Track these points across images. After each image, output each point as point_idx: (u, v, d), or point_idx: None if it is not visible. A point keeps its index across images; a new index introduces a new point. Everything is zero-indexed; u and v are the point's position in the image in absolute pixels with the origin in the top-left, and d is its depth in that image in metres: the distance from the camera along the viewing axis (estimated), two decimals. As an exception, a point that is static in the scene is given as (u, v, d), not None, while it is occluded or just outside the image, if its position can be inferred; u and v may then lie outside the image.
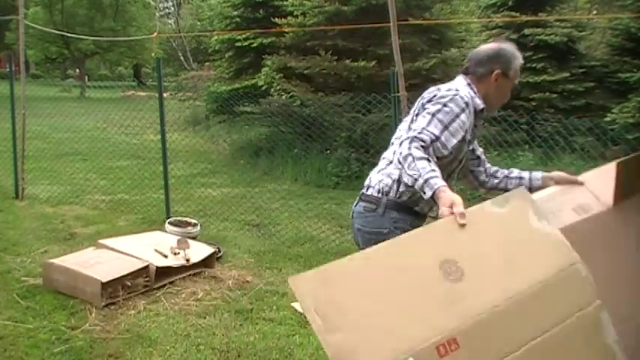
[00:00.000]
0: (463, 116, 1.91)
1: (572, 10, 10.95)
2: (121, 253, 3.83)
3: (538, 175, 2.08)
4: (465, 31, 10.22)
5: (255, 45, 10.31)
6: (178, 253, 3.96)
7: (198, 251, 4.07)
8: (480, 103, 2.03)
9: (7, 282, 3.73)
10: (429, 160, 1.75)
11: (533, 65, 8.61)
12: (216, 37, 12.31)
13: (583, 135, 6.71)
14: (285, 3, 9.18)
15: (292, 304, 3.52)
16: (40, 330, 3.04)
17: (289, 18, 8.47)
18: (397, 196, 2.02)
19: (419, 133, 1.83)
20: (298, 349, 2.94)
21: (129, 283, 3.53)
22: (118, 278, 3.46)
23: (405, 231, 1.59)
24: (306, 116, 7.19)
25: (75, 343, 2.92)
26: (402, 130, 2.10)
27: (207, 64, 17.81)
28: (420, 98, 2.06)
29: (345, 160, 7.60)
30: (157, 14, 34.26)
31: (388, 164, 2.07)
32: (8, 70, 6.76)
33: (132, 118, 7.66)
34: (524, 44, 8.72)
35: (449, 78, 7.68)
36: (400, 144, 1.84)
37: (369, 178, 2.14)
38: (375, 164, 2.18)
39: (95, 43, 26.45)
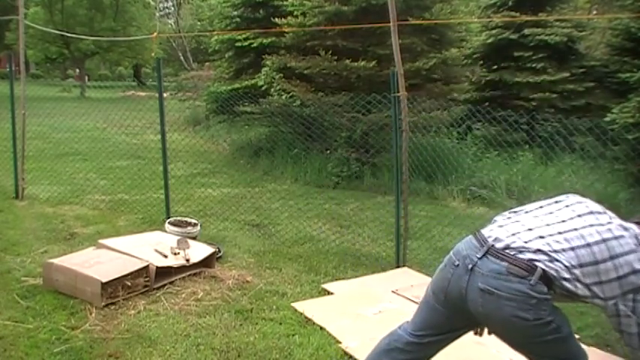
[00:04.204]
0: None
1: (572, 10, 10.93)
2: (121, 253, 3.83)
3: None
4: (465, 31, 10.22)
5: (255, 45, 10.32)
6: (178, 253, 3.95)
7: (198, 251, 4.06)
8: None
9: (7, 282, 3.73)
10: None
11: (533, 65, 8.61)
12: (216, 37, 12.31)
13: (583, 135, 6.71)
14: (285, 3, 9.17)
15: (292, 304, 3.52)
16: (40, 330, 3.04)
17: (289, 18, 8.46)
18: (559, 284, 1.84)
19: None
20: (298, 349, 2.94)
21: (129, 283, 3.52)
22: (118, 278, 3.46)
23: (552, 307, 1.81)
24: (306, 116, 7.18)
25: (75, 343, 2.92)
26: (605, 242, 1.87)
27: (207, 64, 17.84)
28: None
29: (345, 160, 7.59)
30: (157, 14, 34.33)
31: (570, 250, 1.86)
32: (8, 70, 6.75)
33: (132, 118, 7.66)
34: (524, 44, 8.74)
35: (449, 78, 7.71)
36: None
37: (516, 238, 1.91)
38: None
39: (95, 43, 26.47)
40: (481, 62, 9.87)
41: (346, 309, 3.44)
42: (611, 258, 1.83)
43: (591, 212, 1.94)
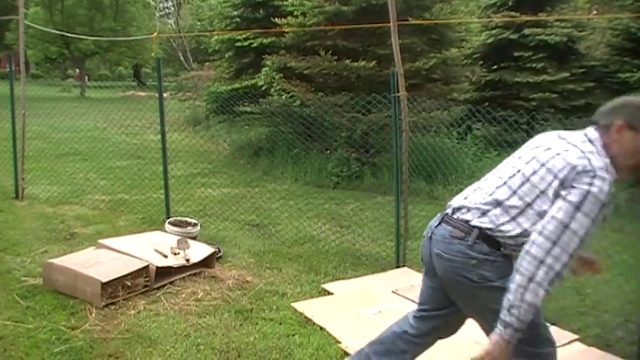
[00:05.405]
0: (604, 209, 1.71)
1: (572, 10, 10.93)
2: (121, 253, 3.83)
3: None
4: (465, 31, 10.22)
5: (255, 45, 10.33)
6: (178, 253, 3.96)
7: (198, 251, 4.07)
8: (613, 172, 1.77)
9: (7, 282, 3.73)
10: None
11: (533, 65, 8.62)
12: (216, 37, 12.32)
13: (583, 135, 6.70)
14: (285, 3, 9.18)
15: (292, 304, 3.52)
16: (40, 330, 3.04)
17: (289, 18, 8.46)
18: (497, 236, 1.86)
19: (563, 263, 1.68)
20: (298, 349, 2.94)
21: (129, 283, 3.52)
22: (118, 278, 3.46)
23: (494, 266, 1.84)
24: (306, 116, 7.18)
25: (75, 343, 2.92)
26: (530, 182, 1.83)
27: (207, 64, 17.86)
28: (553, 159, 1.81)
29: (345, 160, 7.60)
30: (157, 14, 34.34)
31: (497, 206, 1.87)
32: (8, 70, 6.76)
33: (132, 118, 7.65)
34: (525, 44, 8.74)
35: (449, 78, 7.67)
36: (541, 245, 1.69)
37: (463, 199, 1.99)
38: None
39: (95, 43, 26.46)
40: (481, 62, 9.87)
41: (346, 309, 3.44)
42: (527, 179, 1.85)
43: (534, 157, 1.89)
